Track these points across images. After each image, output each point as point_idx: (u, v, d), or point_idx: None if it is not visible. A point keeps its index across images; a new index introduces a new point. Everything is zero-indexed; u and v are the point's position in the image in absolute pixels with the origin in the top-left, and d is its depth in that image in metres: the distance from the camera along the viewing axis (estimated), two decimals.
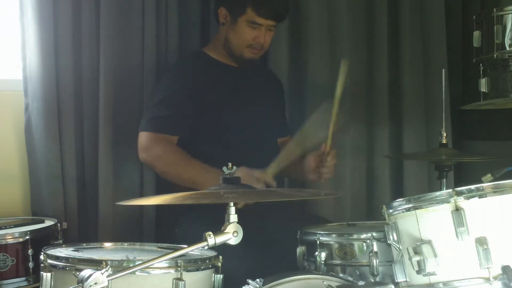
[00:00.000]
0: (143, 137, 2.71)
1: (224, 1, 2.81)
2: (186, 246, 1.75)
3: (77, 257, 2.00)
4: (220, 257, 2.03)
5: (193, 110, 2.74)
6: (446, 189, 2.23)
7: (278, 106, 3.06)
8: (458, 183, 3.17)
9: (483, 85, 2.88)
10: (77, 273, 1.66)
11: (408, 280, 1.85)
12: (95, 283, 1.57)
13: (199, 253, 2.10)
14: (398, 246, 1.87)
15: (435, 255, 1.77)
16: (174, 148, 2.70)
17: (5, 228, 2.52)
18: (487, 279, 1.74)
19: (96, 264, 1.84)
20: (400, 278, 1.86)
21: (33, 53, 2.84)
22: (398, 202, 1.90)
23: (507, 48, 2.79)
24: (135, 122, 2.95)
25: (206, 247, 1.71)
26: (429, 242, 1.79)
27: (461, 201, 1.77)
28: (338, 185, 3.26)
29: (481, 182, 2.41)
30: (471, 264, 1.75)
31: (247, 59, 2.82)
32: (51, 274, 1.93)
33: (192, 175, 2.60)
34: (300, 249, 2.32)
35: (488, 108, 2.98)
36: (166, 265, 1.90)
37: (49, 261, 1.97)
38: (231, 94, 2.83)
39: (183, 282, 1.87)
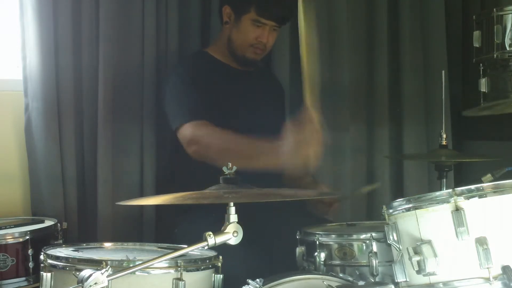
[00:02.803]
0: (187, 129, 2.59)
1: (230, 0, 2.80)
2: (186, 246, 1.76)
3: (77, 257, 2.00)
4: (220, 257, 2.03)
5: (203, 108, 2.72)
6: (446, 189, 2.23)
7: (278, 108, 3.06)
8: (458, 183, 3.17)
9: (483, 85, 2.89)
10: (77, 273, 1.66)
11: (408, 280, 1.85)
12: (95, 283, 1.57)
13: (199, 253, 2.10)
14: (398, 246, 1.87)
15: (435, 255, 1.77)
16: (219, 129, 2.58)
17: (5, 228, 2.52)
18: (487, 279, 1.74)
19: (96, 264, 1.84)
20: (400, 278, 1.86)
21: (33, 53, 2.84)
22: (398, 202, 1.90)
23: (507, 48, 2.79)
24: (135, 122, 2.96)
25: (206, 247, 1.72)
26: (429, 242, 1.79)
27: (461, 201, 1.77)
28: (338, 185, 3.26)
29: (481, 182, 2.41)
30: (471, 264, 1.75)
31: (249, 60, 2.81)
32: (51, 274, 1.93)
33: (249, 151, 2.48)
34: (299, 250, 2.32)
35: (488, 106, 2.98)
36: (166, 265, 1.91)
37: (49, 261, 1.97)
38: (233, 95, 2.82)
39: (183, 282, 1.87)
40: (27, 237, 2.42)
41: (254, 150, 2.47)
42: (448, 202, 1.78)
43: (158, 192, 2.94)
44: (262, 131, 2.84)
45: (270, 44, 2.81)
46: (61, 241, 2.53)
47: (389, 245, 1.89)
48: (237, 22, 2.76)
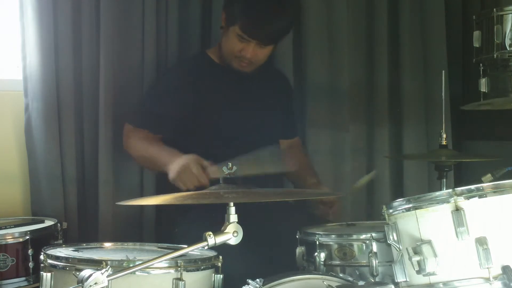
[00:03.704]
0: (127, 128, 2.81)
1: (225, 6, 2.79)
2: (186, 246, 1.76)
3: (77, 257, 2.00)
4: (220, 257, 2.03)
5: (186, 111, 2.73)
6: (446, 189, 2.23)
7: (282, 107, 3.03)
8: (458, 183, 3.17)
9: (483, 85, 2.88)
10: (77, 273, 1.66)
11: (408, 280, 1.85)
12: (95, 283, 1.57)
13: (199, 253, 2.10)
14: (398, 246, 1.87)
15: (435, 255, 1.77)
16: (148, 135, 2.76)
17: (5, 228, 2.52)
18: (487, 279, 1.74)
19: (96, 264, 1.85)
20: (400, 278, 1.86)
21: (33, 53, 2.84)
22: (398, 202, 1.89)
23: (507, 48, 2.79)
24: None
25: (206, 247, 1.72)
26: (429, 242, 1.79)
27: (461, 201, 1.77)
28: (338, 185, 3.26)
29: (481, 182, 2.41)
30: (471, 264, 1.75)
31: (235, 70, 2.78)
32: (51, 274, 1.93)
33: (156, 154, 2.70)
34: (299, 250, 2.32)
35: (487, 109, 2.98)
36: (166, 265, 1.91)
37: (49, 261, 1.97)
38: (229, 96, 2.82)
39: (183, 282, 1.87)
40: (27, 237, 2.42)
41: (159, 160, 2.67)
42: (448, 202, 1.78)
43: (158, 192, 2.93)
44: (261, 131, 2.84)
45: (258, 59, 2.75)
46: (61, 241, 2.54)
47: (389, 245, 1.89)
48: (226, 31, 2.75)
